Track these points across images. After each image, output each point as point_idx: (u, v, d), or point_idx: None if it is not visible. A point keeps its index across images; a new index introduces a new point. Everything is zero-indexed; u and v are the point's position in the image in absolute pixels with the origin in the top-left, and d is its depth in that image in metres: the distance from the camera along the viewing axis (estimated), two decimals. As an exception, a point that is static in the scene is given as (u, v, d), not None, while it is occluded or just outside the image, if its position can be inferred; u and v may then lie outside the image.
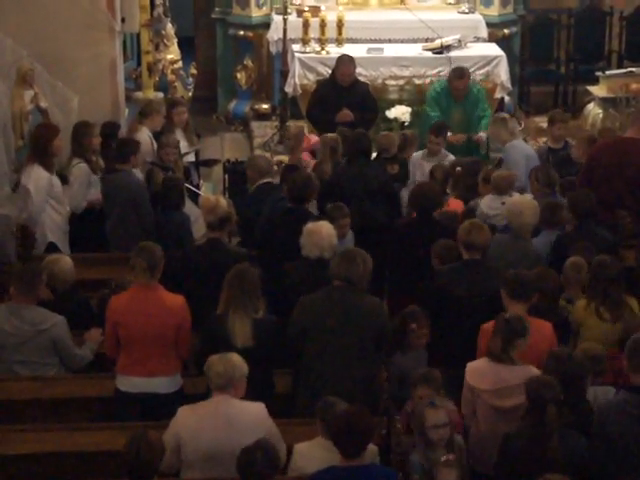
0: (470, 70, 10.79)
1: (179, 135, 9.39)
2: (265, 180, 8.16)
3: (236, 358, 5.52)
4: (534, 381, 5.44)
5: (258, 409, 5.49)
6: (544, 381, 5.41)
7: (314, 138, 9.56)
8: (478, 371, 5.90)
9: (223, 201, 7.09)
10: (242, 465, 5.01)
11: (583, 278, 6.67)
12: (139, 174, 8.68)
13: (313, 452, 5.45)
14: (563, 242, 7.22)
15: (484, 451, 5.83)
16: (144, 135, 9.14)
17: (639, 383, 5.40)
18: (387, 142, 9.15)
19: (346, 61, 10.21)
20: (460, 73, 10.23)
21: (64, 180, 8.72)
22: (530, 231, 7.19)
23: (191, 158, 9.55)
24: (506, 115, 9.79)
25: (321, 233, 6.73)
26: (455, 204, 8.10)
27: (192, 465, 5.47)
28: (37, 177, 8.15)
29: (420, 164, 9.08)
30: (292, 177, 7.80)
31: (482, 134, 10.09)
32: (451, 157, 9.14)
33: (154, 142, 9.14)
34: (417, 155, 9.27)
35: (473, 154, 9.92)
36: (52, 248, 8.20)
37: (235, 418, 5.32)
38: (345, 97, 9.94)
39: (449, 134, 9.77)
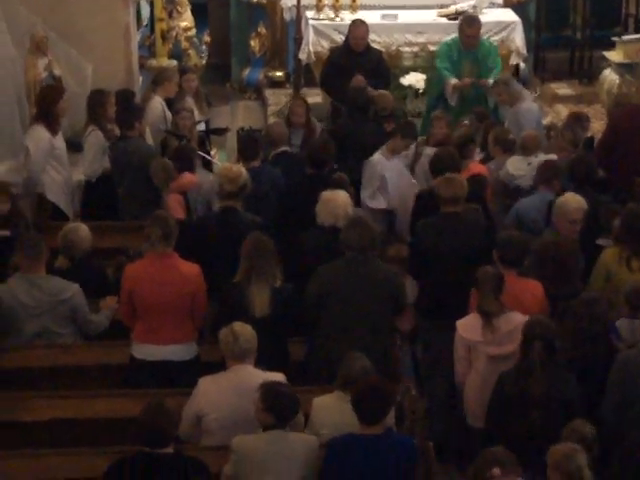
0: (485, 37, 10.71)
1: (190, 103, 9.38)
2: (282, 149, 8.19)
3: (249, 328, 5.55)
4: (529, 319, 5.66)
5: (278, 379, 5.51)
6: (537, 319, 5.64)
7: (187, 177, 7.97)
8: (471, 325, 6.04)
9: (244, 170, 7.08)
10: (270, 397, 5.10)
11: None
12: (150, 140, 8.69)
13: (332, 403, 5.49)
14: None
15: (482, 405, 5.88)
16: (157, 103, 9.14)
17: None
18: (384, 100, 9.16)
19: (359, 24, 10.20)
20: (470, 20, 10.18)
21: (79, 148, 8.74)
22: (577, 231, 6.81)
23: (201, 127, 9.54)
24: (506, 78, 9.66)
25: (336, 201, 6.74)
26: (477, 168, 8.05)
27: (212, 433, 5.52)
28: (38, 137, 8.19)
29: (385, 164, 8.17)
30: (310, 142, 7.99)
31: (489, 80, 9.92)
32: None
33: (167, 110, 9.14)
34: (377, 158, 8.20)
35: (482, 104, 9.83)
36: (54, 209, 8.24)
37: (255, 387, 5.29)
38: (358, 63, 9.91)
39: (455, 81, 9.79)
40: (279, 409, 5.15)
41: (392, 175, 8.06)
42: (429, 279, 6.78)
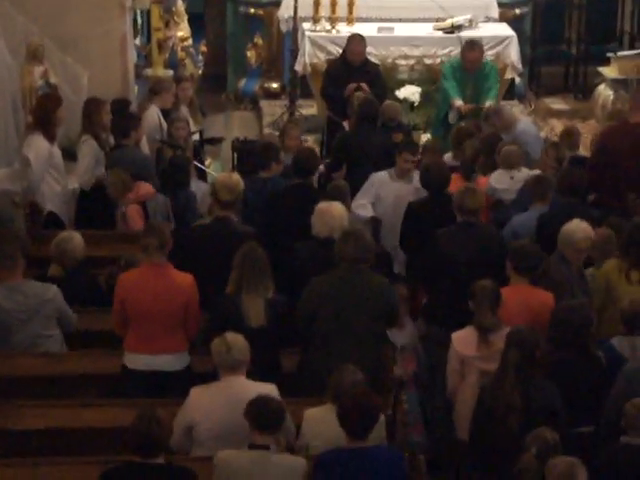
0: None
1: (184, 112, 9.40)
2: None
3: (242, 339, 5.55)
4: (512, 328, 5.67)
5: (270, 390, 5.51)
6: (518, 328, 5.63)
7: (145, 187, 7.98)
8: (466, 339, 6.05)
9: (241, 180, 7.08)
10: (253, 413, 5.10)
11: (612, 249, 6.70)
12: (145, 150, 8.70)
13: (323, 415, 5.48)
14: (547, 219, 7.15)
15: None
16: (153, 113, 9.16)
17: None
18: (392, 111, 9.19)
19: (357, 39, 10.24)
20: (472, 45, 10.27)
21: (73, 156, 8.75)
22: (582, 259, 6.72)
23: (196, 136, 9.55)
24: (496, 107, 9.68)
25: (332, 213, 6.73)
26: (484, 182, 8.09)
27: (203, 444, 5.51)
28: (37, 146, 8.17)
29: (387, 185, 8.09)
30: (297, 151, 7.97)
31: (489, 103, 10.05)
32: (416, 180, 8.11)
33: (163, 120, 9.15)
34: (382, 175, 8.15)
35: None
36: (52, 217, 8.24)
37: (247, 399, 5.29)
38: (355, 76, 9.94)
39: (461, 103, 9.93)
40: (257, 417, 5.13)
41: (388, 196, 8.02)
42: (444, 287, 6.80)
